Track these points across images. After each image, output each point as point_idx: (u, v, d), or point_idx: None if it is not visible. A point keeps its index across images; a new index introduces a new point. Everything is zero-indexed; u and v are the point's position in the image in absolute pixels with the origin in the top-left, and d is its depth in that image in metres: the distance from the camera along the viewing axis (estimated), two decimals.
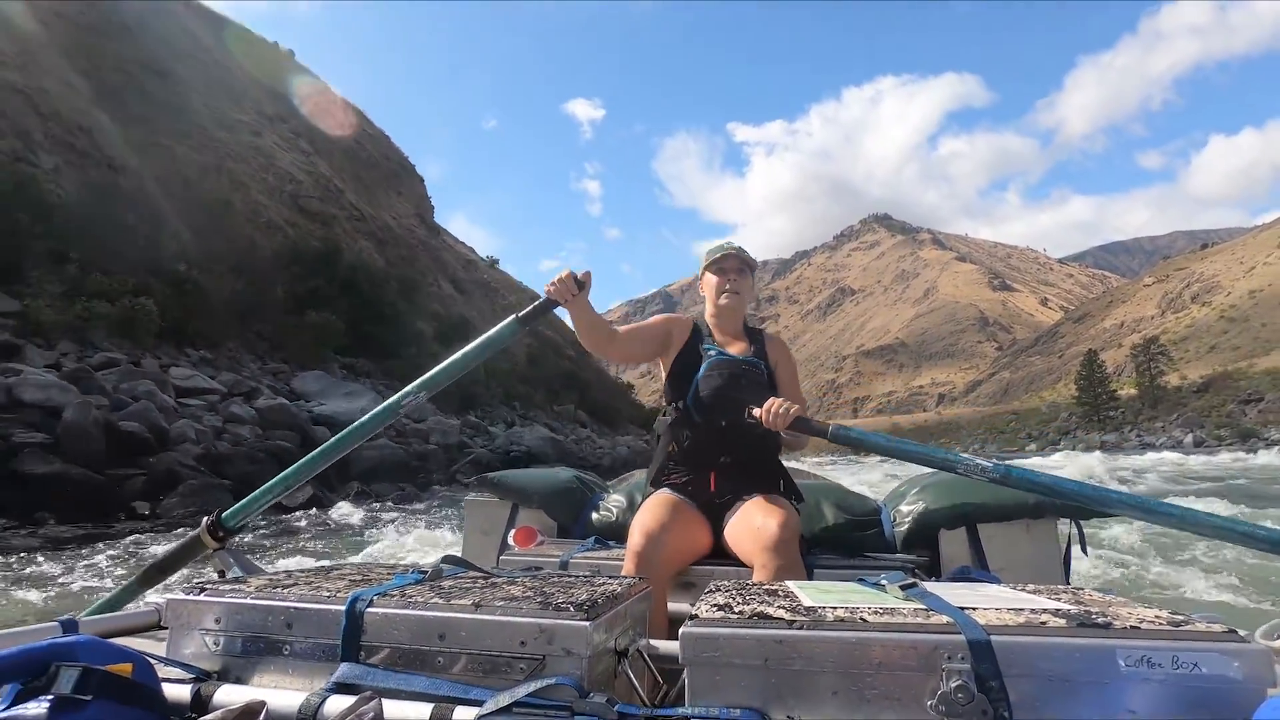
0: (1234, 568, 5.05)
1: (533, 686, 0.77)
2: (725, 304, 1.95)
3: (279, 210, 29.66)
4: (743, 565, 1.64)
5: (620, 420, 43.36)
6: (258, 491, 1.56)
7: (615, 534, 2.08)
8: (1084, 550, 1.89)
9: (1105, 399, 73.12)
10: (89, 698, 0.69)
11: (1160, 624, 0.75)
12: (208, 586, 1.00)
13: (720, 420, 1.79)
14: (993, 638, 0.73)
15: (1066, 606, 0.86)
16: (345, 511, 9.36)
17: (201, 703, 0.82)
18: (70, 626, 1.03)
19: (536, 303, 1.63)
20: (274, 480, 1.57)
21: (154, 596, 1.37)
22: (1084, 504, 1.32)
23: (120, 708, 0.72)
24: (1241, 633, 0.74)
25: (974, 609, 0.82)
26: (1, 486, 7.61)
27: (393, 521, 8.73)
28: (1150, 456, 30.71)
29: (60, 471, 8.07)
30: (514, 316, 1.62)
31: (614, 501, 2.23)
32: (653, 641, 1.02)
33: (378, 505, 10.69)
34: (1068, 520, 1.88)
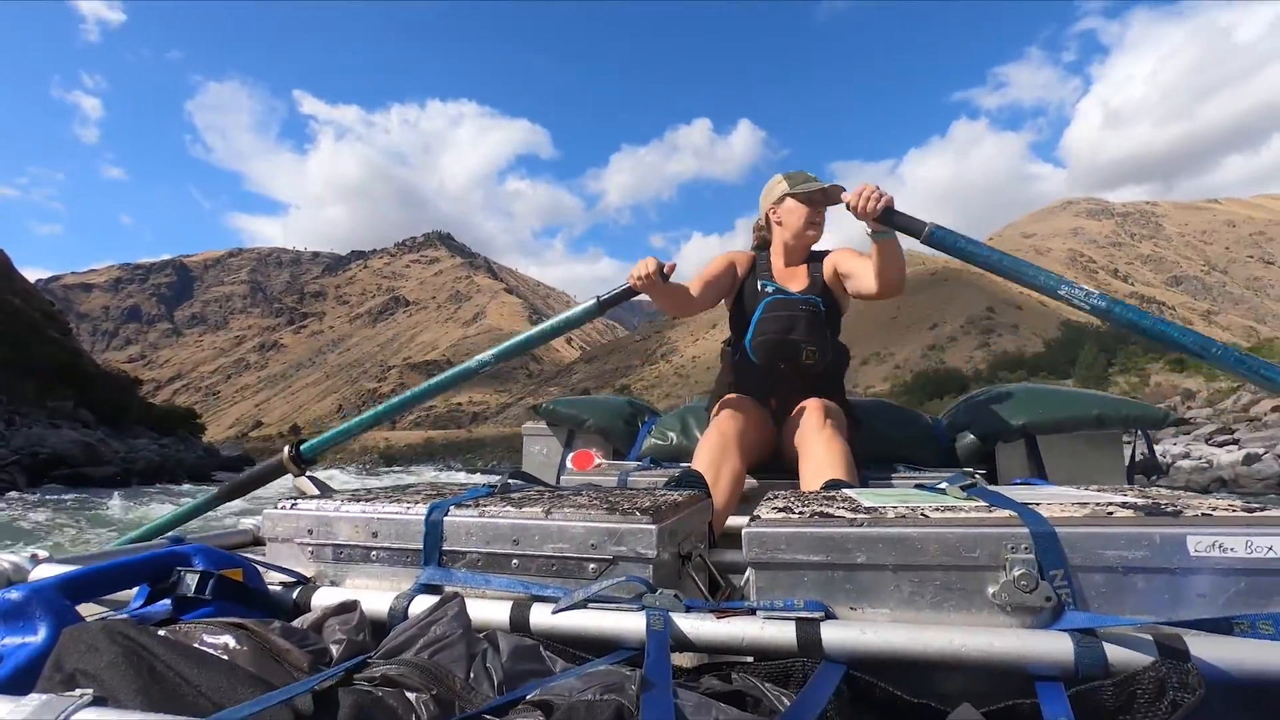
0: None
1: (606, 583, 0.80)
2: (812, 235, 1.92)
3: None
4: (797, 480, 1.64)
5: (127, 421, 38.40)
6: (339, 429, 1.70)
7: (670, 457, 2.14)
8: (1155, 464, 1.82)
9: None
10: (209, 598, 0.78)
11: (1234, 512, 0.74)
12: (299, 500, 1.05)
13: (778, 363, 1.83)
14: (1058, 529, 0.72)
15: (1134, 500, 0.85)
16: None
17: (302, 603, 0.88)
18: (179, 542, 1.11)
19: (620, 288, 1.63)
20: (354, 420, 1.69)
21: (246, 521, 1.41)
22: (1190, 353, 1.24)
23: (235, 607, 0.79)
24: None
25: (1038, 504, 0.82)
26: None
27: None
28: None
29: None
30: (596, 299, 1.62)
31: (668, 426, 2.25)
32: (714, 549, 1.05)
33: None
34: (1137, 431, 1.84)
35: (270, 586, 0.90)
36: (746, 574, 0.81)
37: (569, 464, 2.17)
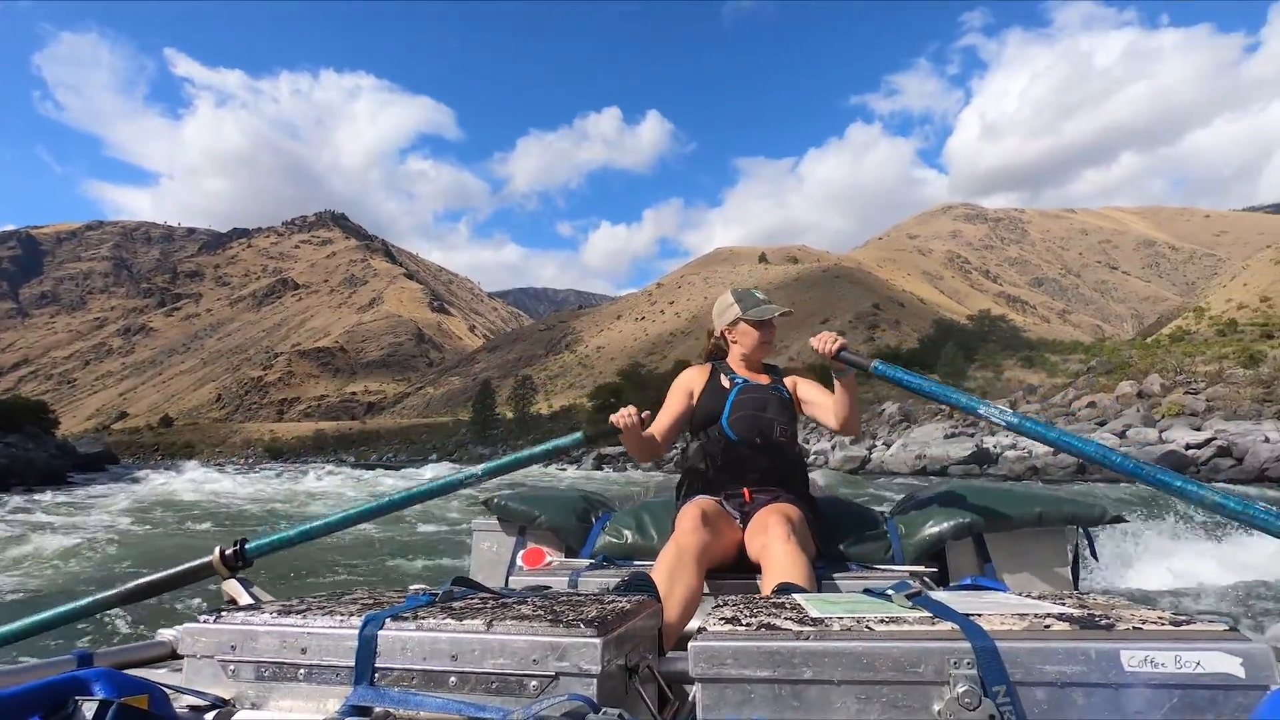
0: (1250, 568, 5.16)
1: (546, 704, 0.77)
2: (765, 350, 2.18)
3: None
4: (755, 578, 1.70)
5: None
6: (295, 530, 1.58)
7: (624, 555, 2.13)
8: (1094, 556, 1.91)
9: (491, 420, 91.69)
10: None
11: (1163, 624, 0.76)
12: (223, 612, 0.99)
13: (755, 438, 1.98)
14: (998, 643, 0.73)
15: (1071, 610, 0.86)
16: None
17: None
18: (85, 660, 1.04)
19: (605, 427, 1.76)
20: (317, 523, 1.59)
21: (164, 632, 1.34)
22: (1090, 460, 1.30)
23: None
24: (1245, 631, 0.74)
25: (979, 615, 0.83)
26: None
27: None
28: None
29: None
30: (583, 432, 1.76)
31: (622, 523, 2.25)
32: (664, 657, 1.03)
33: None
34: (1076, 528, 1.91)
35: (181, 711, 0.84)
36: (694, 689, 0.80)
37: (520, 562, 2.12)
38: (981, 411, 1.43)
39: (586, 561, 2.10)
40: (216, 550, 1.52)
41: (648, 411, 1.80)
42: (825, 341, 1.84)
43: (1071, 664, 0.71)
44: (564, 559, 2.20)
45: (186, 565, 1.55)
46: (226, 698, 0.91)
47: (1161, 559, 5.64)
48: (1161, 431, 21.74)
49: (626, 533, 2.21)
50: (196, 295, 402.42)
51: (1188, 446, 19.87)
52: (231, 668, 0.93)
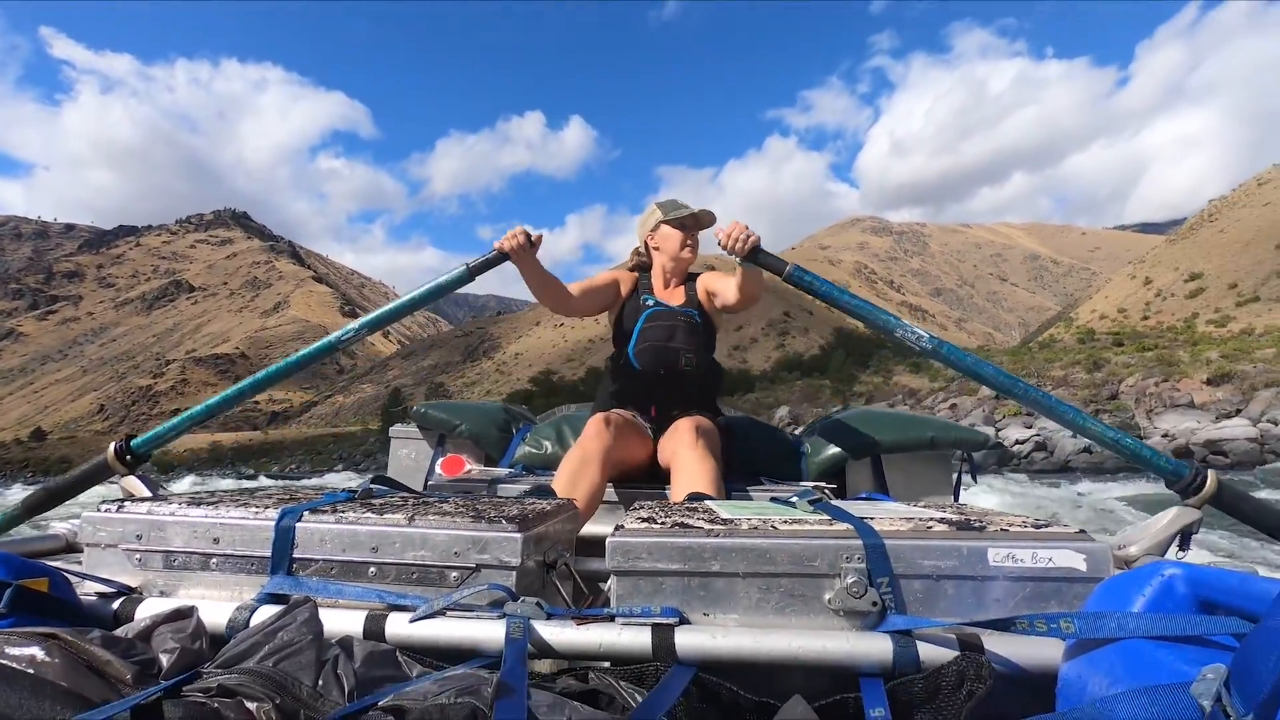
0: (1123, 504, 5.89)
1: (467, 592, 0.80)
2: (687, 257, 2.13)
3: None
4: (666, 488, 1.79)
5: None
6: (177, 419, 1.54)
7: (544, 465, 2.14)
8: (974, 478, 2.08)
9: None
10: (4, 611, 0.68)
11: (1026, 527, 0.89)
12: (126, 503, 0.96)
13: (659, 369, 1.99)
14: (885, 541, 0.83)
15: (951, 516, 0.99)
16: None
17: (125, 615, 0.81)
18: None
19: (487, 254, 1.67)
20: (197, 408, 1.54)
21: (58, 525, 1.27)
22: (996, 387, 1.39)
23: (40, 621, 0.68)
24: (1090, 534, 0.85)
25: (872, 519, 0.93)
26: None
27: None
28: None
29: None
30: (465, 265, 1.64)
31: (543, 434, 2.26)
32: (579, 558, 1.08)
33: None
34: (961, 451, 2.09)
35: (85, 597, 0.82)
36: (609, 581, 0.85)
37: (438, 469, 2.11)
38: (898, 334, 1.43)
39: (506, 470, 2.10)
40: (111, 447, 1.46)
41: (539, 233, 1.71)
42: (735, 240, 1.61)
43: (946, 559, 0.82)
44: (483, 468, 2.18)
45: (82, 467, 1.48)
46: (132, 585, 0.90)
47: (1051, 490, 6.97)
48: (999, 430, 24.69)
49: (546, 443, 2.23)
50: (75, 297, 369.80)
51: (1015, 442, 22.91)
52: (138, 557, 0.91)
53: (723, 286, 2.03)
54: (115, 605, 0.81)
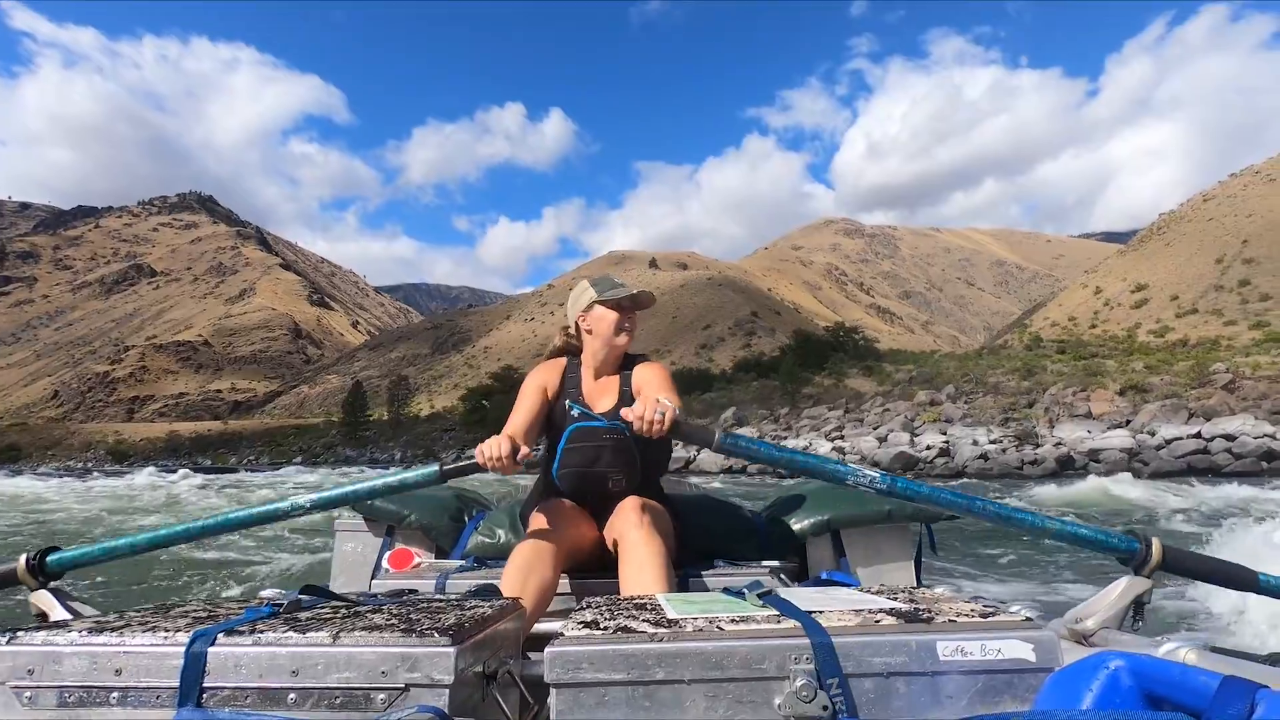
0: (1074, 567, 6.00)
1: (393, 717, 0.75)
2: (623, 341, 1.95)
3: None
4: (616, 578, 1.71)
5: None
6: (104, 545, 1.44)
7: (497, 555, 2.04)
8: (934, 550, 2.09)
9: (362, 422, 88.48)
10: None
11: (974, 616, 0.86)
12: (19, 632, 0.89)
13: (584, 495, 1.86)
14: (834, 639, 0.80)
15: (900, 605, 0.95)
16: None
17: None
18: None
19: (466, 463, 1.54)
20: (126, 539, 1.45)
21: None
22: (952, 510, 1.41)
23: None
24: (1037, 620, 0.85)
25: (821, 612, 0.90)
26: None
27: None
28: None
29: None
30: (438, 467, 1.51)
31: (496, 522, 2.18)
32: (527, 660, 1.03)
33: None
34: (919, 524, 2.08)
35: None
36: (550, 695, 0.80)
37: (385, 564, 2.02)
38: (850, 481, 1.37)
39: (457, 563, 2.02)
40: (22, 558, 1.37)
41: (525, 450, 1.61)
42: (651, 424, 1.44)
43: (896, 655, 0.80)
44: (434, 560, 2.11)
45: None
46: None
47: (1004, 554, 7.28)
48: (914, 435, 25.69)
49: (500, 531, 2.13)
50: (30, 279, 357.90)
51: (925, 448, 23.65)
52: (28, 694, 0.83)
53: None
54: None
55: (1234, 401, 23.05)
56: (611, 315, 1.93)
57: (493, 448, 1.53)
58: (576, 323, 2.03)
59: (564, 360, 2.05)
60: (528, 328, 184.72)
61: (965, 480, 19.97)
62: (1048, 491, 14.68)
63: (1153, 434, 21.36)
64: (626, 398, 1.93)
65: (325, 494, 1.49)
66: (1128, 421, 23.41)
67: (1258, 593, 1.18)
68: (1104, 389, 27.52)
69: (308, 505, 1.48)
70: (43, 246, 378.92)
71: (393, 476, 1.52)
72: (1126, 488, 13.78)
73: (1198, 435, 20.27)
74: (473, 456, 1.53)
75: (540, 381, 1.97)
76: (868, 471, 1.37)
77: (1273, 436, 19.11)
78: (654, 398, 1.47)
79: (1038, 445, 22.36)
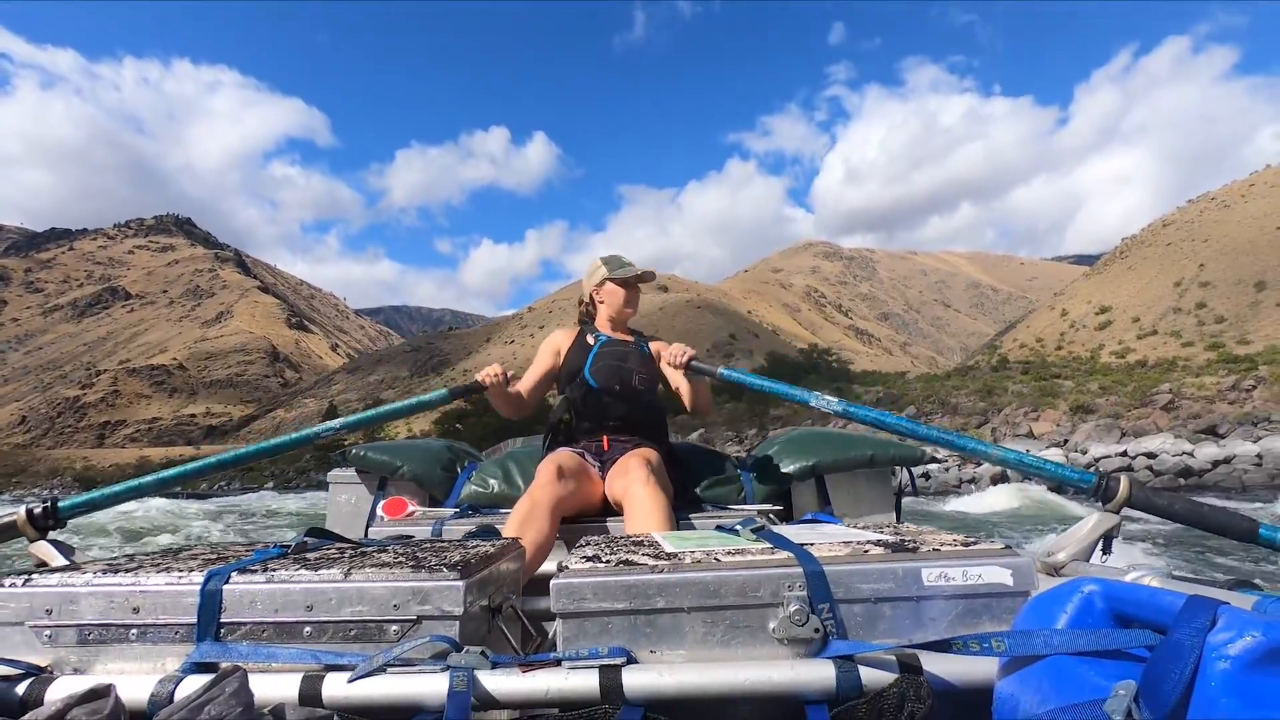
0: (1042, 510, 6.56)
1: (407, 646, 0.78)
2: (630, 312, 2.31)
3: None
4: (607, 520, 1.84)
5: None
6: (113, 489, 1.47)
7: (490, 504, 2.14)
8: (915, 491, 2.21)
9: (336, 446, 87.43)
10: None
11: (956, 546, 0.93)
12: (33, 575, 0.91)
13: (615, 384, 2.10)
14: (825, 567, 0.85)
15: (886, 538, 1.02)
16: None
17: (33, 698, 0.75)
18: None
19: (469, 383, 1.90)
20: (133, 482, 1.50)
21: None
22: (906, 434, 1.54)
23: None
24: (1016, 549, 0.90)
25: (812, 544, 0.96)
26: None
27: None
28: None
29: None
30: (447, 389, 1.83)
31: (489, 472, 2.24)
32: (526, 598, 1.08)
33: None
34: (900, 467, 2.18)
35: None
36: (555, 623, 0.84)
37: (380, 513, 2.07)
38: (813, 404, 1.64)
39: (451, 511, 2.08)
40: (22, 509, 1.39)
41: (513, 371, 1.94)
42: (675, 356, 1.99)
43: (883, 582, 0.85)
44: (427, 509, 2.14)
45: None
46: (42, 664, 0.84)
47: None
48: None
49: (492, 481, 2.22)
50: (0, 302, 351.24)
51: None
52: (48, 633, 0.86)
53: (678, 381, 2.22)
54: (21, 689, 0.76)
55: (1165, 421, 24.02)
56: (621, 290, 2.30)
57: (491, 368, 1.96)
58: (591, 294, 2.40)
59: (579, 328, 2.37)
60: (508, 350, 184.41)
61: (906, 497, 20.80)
62: (967, 503, 15.71)
63: (1084, 452, 22.16)
64: (640, 341, 2.31)
65: (353, 417, 1.74)
66: (1065, 440, 24.19)
67: (1255, 543, 1.16)
68: (1053, 409, 28.42)
69: (338, 427, 1.68)
70: (14, 269, 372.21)
71: (412, 400, 1.79)
72: (1035, 500, 14.65)
73: (1124, 453, 21.00)
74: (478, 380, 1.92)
75: (554, 344, 2.32)
76: (827, 397, 1.62)
77: (1190, 454, 19.90)
78: (679, 344, 2.02)
79: (978, 464, 23.05)
